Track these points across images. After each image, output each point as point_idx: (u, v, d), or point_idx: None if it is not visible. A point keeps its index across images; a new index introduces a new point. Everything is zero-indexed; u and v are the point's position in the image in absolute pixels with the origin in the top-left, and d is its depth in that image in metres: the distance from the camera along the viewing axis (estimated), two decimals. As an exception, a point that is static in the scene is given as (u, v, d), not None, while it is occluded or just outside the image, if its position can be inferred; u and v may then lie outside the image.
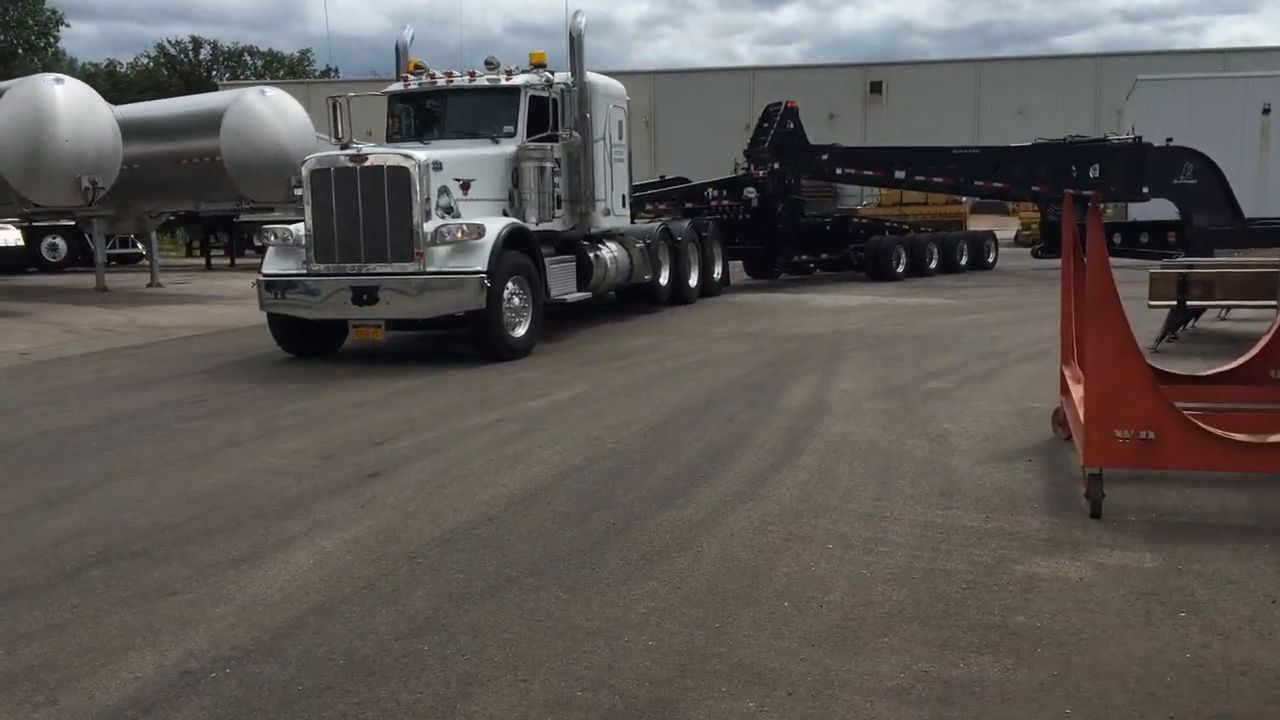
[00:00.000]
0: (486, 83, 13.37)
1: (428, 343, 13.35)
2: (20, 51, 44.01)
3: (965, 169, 22.78)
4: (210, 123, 19.79)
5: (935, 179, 22.98)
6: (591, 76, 14.32)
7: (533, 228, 12.60)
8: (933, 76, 74.61)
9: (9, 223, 27.52)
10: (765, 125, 22.02)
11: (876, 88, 76.76)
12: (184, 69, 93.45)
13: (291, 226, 12.18)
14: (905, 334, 13.11)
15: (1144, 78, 41.49)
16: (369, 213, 11.49)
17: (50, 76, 18.81)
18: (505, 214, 12.47)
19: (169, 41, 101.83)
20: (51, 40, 48.74)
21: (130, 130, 19.62)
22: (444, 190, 11.71)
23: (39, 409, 9.63)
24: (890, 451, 7.22)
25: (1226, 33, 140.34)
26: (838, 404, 8.87)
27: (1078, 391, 6.54)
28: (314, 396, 9.74)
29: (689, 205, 19.93)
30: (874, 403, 8.90)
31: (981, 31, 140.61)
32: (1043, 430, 7.64)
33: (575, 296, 13.66)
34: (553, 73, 13.56)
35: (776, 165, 21.01)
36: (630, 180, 15.78)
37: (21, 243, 28.92)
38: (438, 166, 11.70)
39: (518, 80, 13.29)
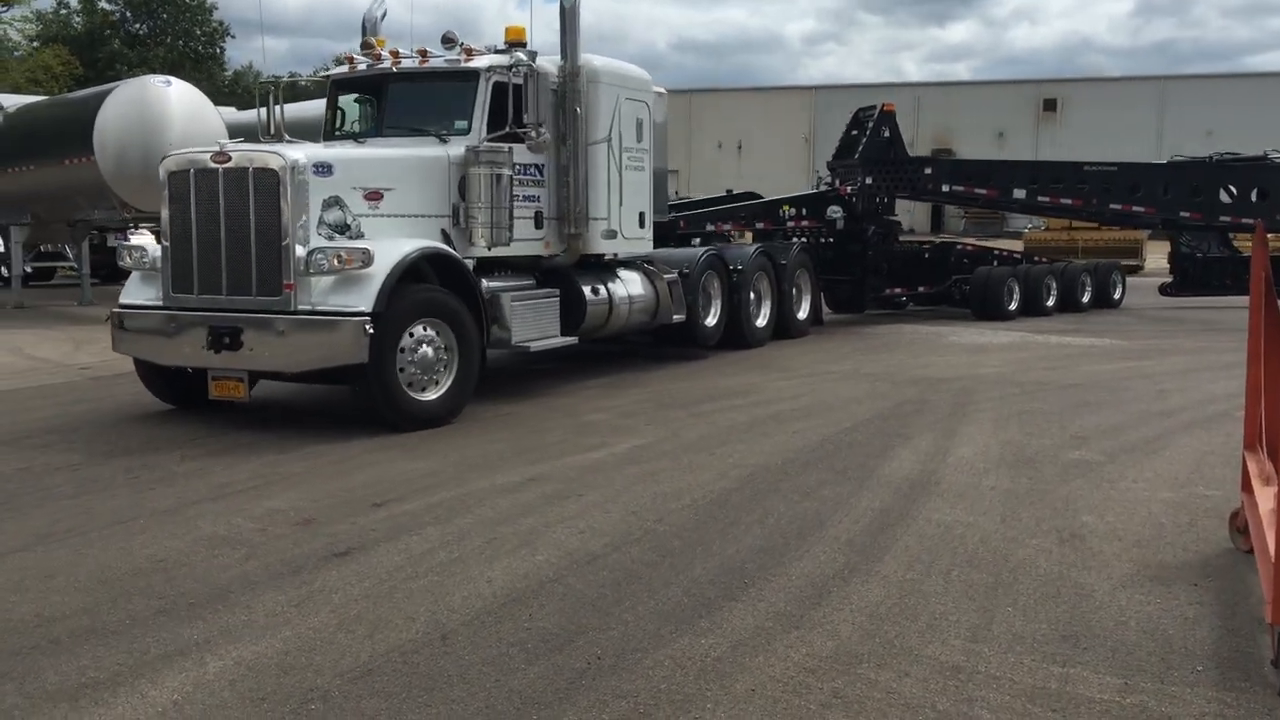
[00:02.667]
0: (440, 65, 10.45)
1: (520, 361, 12.08)
2: (189, 63, 45.36)
3: (1099, 189, 18.89)
4: (88, 118, 17.70)
5: (1063, 200, 19.03)
6: (592, 60, 11.32)
7: (483, 253, 9.97)
8: (1112, 94, 70.65)
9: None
10: (854, 133, 18.49)
11: (1051, 105, 73.10)
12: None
13: (148, 244, 9.91)
14: (1052, 383, 11.16)
15: (1351, 95, 37.61)
16: (232, 229, 8.77)
17: (159, 78, 18.37)
18: (446, 234, 9.75)
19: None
20: (218, 50, 50.13)
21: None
22: (335, 202, 8.93)
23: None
24: (1005, 557, 5.49)
25: None
26: (951, 478, 7.14)
27: (1266, 500, 4.72)
28: (335, 435, 8.53)
29: (760, 226, 16.18)
30: (997, 478, 7.14)
31: (1165, 50, 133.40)
32: (1216, 536, 5.78)
33: (553, 343, 10.64)
34: (534, 54, 10.48)
35: (868, 180, 17.46)
36: (654, 194, 12.47)
37: None
38: (324, 169, 8.88)
39: (478, 62, 10.23)
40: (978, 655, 4.26)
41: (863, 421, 9.08)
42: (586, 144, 11.06)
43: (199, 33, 49.71)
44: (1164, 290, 20.94)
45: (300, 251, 8.58)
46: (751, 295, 14.14)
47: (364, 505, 6.50)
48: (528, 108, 10.15)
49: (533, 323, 10.37)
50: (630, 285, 11.99)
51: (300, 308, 8.59)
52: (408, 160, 9.79)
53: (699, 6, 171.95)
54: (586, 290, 11.21)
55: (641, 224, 12.15)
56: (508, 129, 10.11)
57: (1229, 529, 5.71)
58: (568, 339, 10.87)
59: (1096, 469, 7.40)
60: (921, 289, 18.72)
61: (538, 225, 10.77)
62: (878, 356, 13.41)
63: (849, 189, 17.34)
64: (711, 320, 13.53)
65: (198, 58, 48.67)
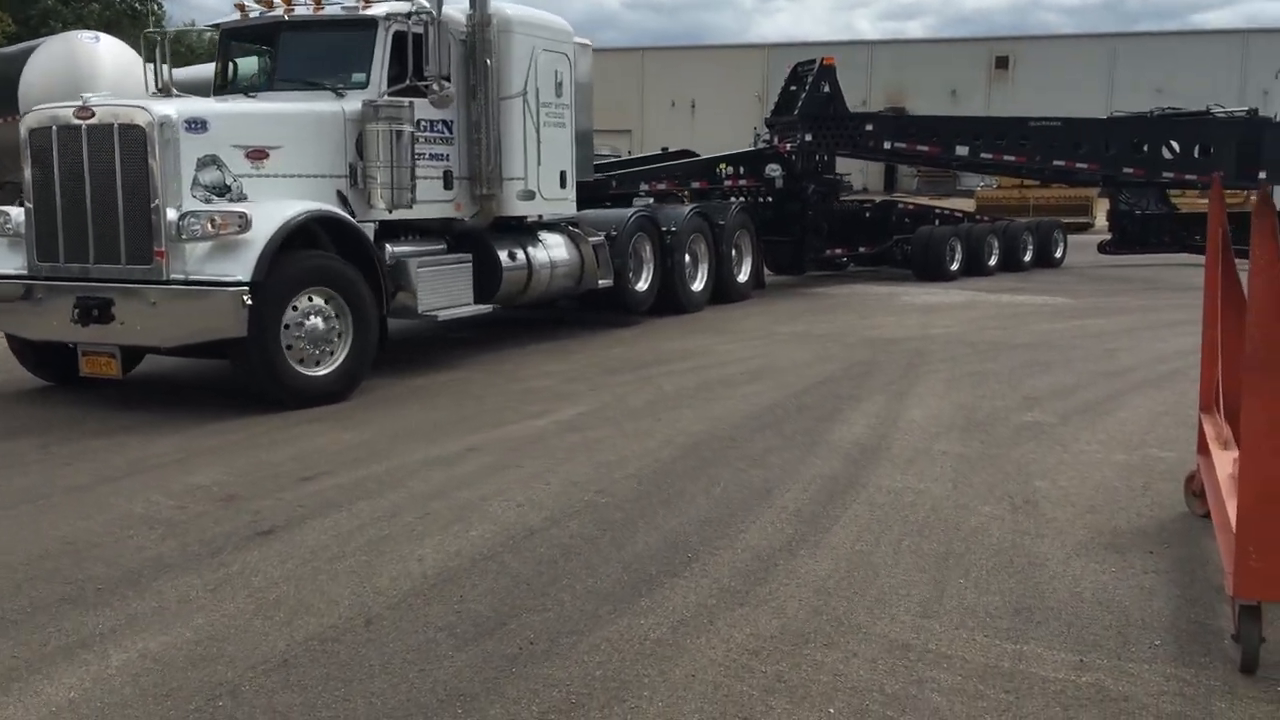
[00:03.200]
0: (336, 12, 9.70)
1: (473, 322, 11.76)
2: (126, 20, 43.81)
3: (1043, 145, 18.35)
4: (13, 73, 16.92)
5: (1006, 157, 18.43)
6: (504, 8, 10.53)
7: (383, 216, 9.27)
8: (1064, 52, 70.82)
9: None
10: (793, 89, 17.66)
11: (1003, 63, 73.13)
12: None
13: (11, 209, 8.90)
14: (1003, 342, 11.03)
15: (1297, 52, 37.83)
16: (98, 192, 8.05)
17: (88, 34, 17.61)
18: (342, 196, 9.02)
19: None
20: (156, 6, 48.56)
21: None
22: (212, 161, 8.18)
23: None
24: (956, 525, 5.32)
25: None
26: (901, 442, 6.96)
27: (1224, 465, 4.56)
28: (266, 405, 8.15)
29: (696, 185, 15.11)
30: (948, 442, 6.97)
31: (1114, 8, 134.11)
32: (1171, 500, 5.65)
33: (465, 311, 9.98)
34: (439, 1, 9.56)
35: (808, 137, 16.68)
36: (578, 152, 11.69)
37: None
38: (198, 125, 8.12)
39: (377, 9, 9.53)
40: (928, 632, 4.07)
41: (813, 384, 8.88)
42: (499, 99, 10.29)
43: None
44: (1103, 248, 20.89)
45: (172, 215, 7.86)
46: (687, 258, 13.52)
47: (291, 479, 6.20)
48: (429, 59, 9.34)
49: (442, 290, 9.71)
50: (552, 249, 11.34)
51: (173, 277, 7.87)
52: (296, 116, 9.03)
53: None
54: (503, 255, 10.56)
55: (563, 184, 11.44)
56: (407, 82, 9.36)
57: (1185, 492, 5.57)
58: (481, 306, 10.22)
59: (1049, 431, 7.26)
60: (863, 249, 18.20)
61: (447, 186, 10.06)
62: (828, 317, 13.23)
63: (788, 147, 16.73)
64: (643, 285, 12.92)
65: (134, 14, 47.25)
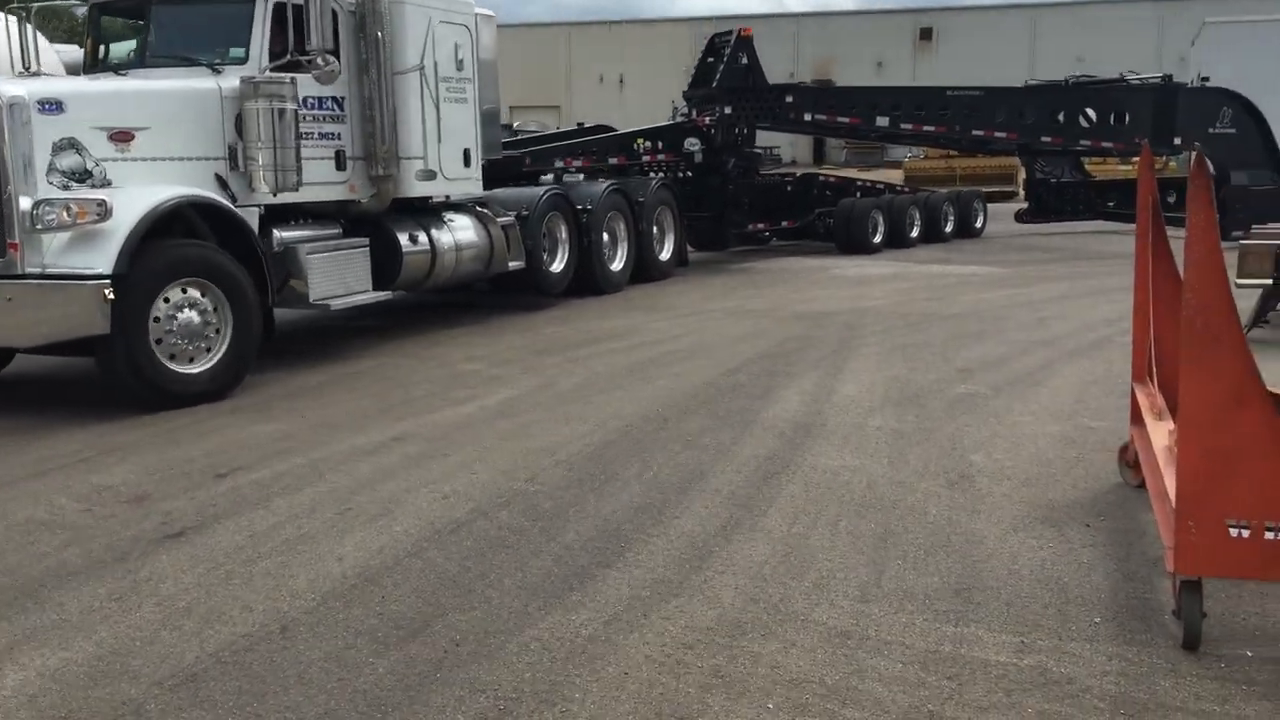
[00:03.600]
0: None
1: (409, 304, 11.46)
2: None
3: (962, 115, 18.14)
4: None
5: (926, 127, 18.14)
6: None
7: (267, 200, 8.63)
8: (986, 22, 71.47)
9: None
10: (710, 60, 17.11)
11: (927, 34, 73.67)
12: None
13: None
14: (935, 314, 11.02)
15: (1212, 20, 38.49)
16: None
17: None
18: (221, 180, 8.38)
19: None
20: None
21: None
22: (71, 145, 7.58)
23: None
24: (893, 504, 5.23)
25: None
26: (836, 419, 6.87)
27: (1160, 436, 4.51)
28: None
29: (614, 161, 14.50)
30: (883, 417, 6.89)
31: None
32: (1106, 470, 5.61)
33: (361, 299, 9.46)
34: None
35: (727, 110, 16.17)
36: (483, 129, 11.03)
37: None
38: (53, 106, 7.50)
39: None
40: (867, 618, 3.96)
41: (746, 361, 8.76)
42: (393, 73, 9.66)
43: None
44: (1020, 217, 20.98)
45: (25, 204, 7.22)
46: (605, 237, 13.03)
47: (206, 476, 5.93)
48: (312, 32, 8.59)
49: (335, 277, 9.10)
50: (458, 231, 10.75)
51: (29, 270, 7.24)
52: (166, 94, 8.32)
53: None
54: (403, 238, 9.99)
55: (467, 163, 10.74)
56: (288, 57, 8.68)
57: (1119, 463, 5.54)
58: (380, 294, 9.65)
59: (982, 403, 7.22)
60: (785, 223, 17.85)
61: (340, 166, 9.44)
62: (760, 292, 13.13)
63: (707, 120, 16.15)
64: (558, 266, 12.42)
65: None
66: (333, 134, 9.39)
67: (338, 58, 9.02)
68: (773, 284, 13.93)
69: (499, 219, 11.31)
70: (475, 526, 5.02)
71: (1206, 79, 20.53)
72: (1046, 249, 18.01)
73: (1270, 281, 9.13)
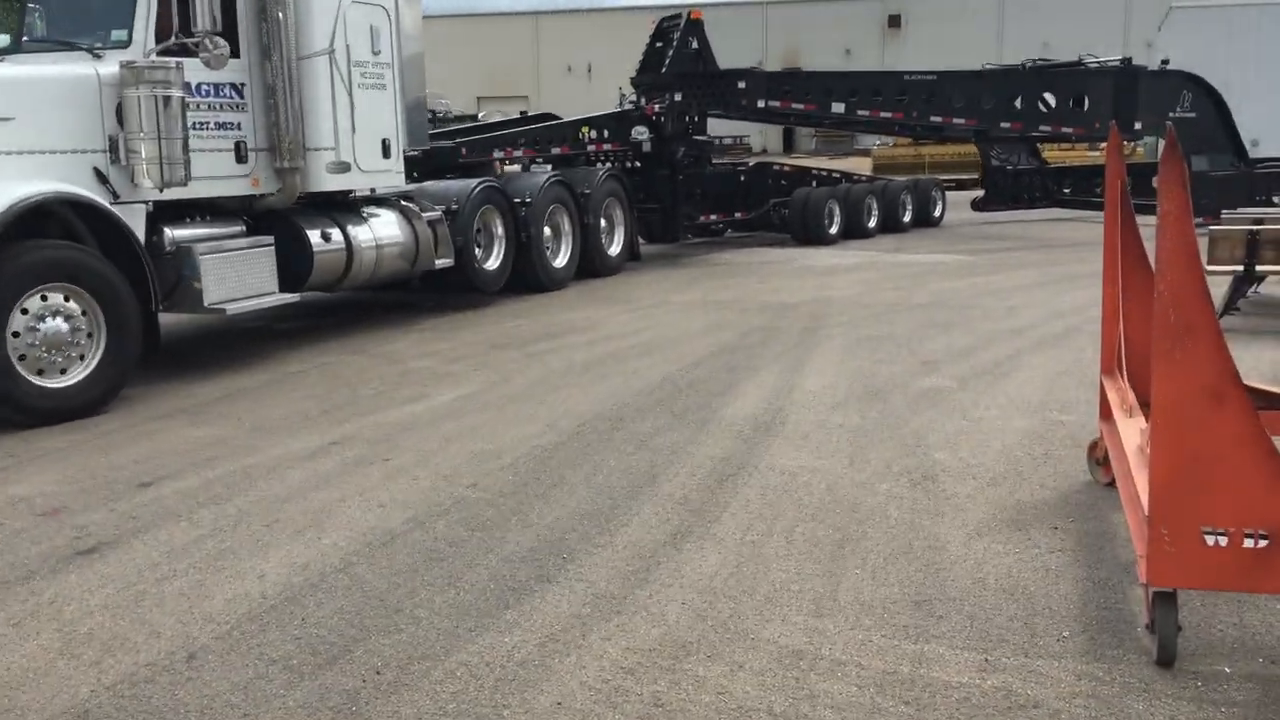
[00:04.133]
0: None
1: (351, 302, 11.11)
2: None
3: (919, 101, 17.34)
4: None
5: (883, 114, 17.36)
6: None
7: (153, 195, 7.88)
8: (954, 8, 71.51)
9: None
10: (659, 45, 16.23)
11: (895, 21, 73.62)
12: None
13: None
14: (901, 303, 10.78)
15: (1178, 4, 38.51)
16: None
17: None
18: (100, 174, 7.60)
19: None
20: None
21: None
22: None
23: None
24: (853, 507, 4.97)
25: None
26: (797, 416, 6.61)
27: (1131, 435, 4.27)
28: (121, 399, 7.49)
29: (558, 151, 13.73)
30: (845, 413, 6.64)
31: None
32: (1074, 469, 5.38)
33: (264, 303, 8.72)
34: None
35: (677, 97, 15.38)
36: (407, 117, 10.32)
37: None
38: None
39: None
40: (821, 635, 3.70)
41: (707, 356, 8.49)
42: (297, 58, 8.91)
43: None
44: (976, 205, 20.59)
45: None
46: (547, 231, 12.27)
47: (129, 486, 5.59)
48: (198, 13, 7.78)
49: (233, 279, 8.32)
50: (379, 227, 9.94)
51: None
52: (32, 82, 7.51)
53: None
54: (314, 235, 9.19)
55: (386, 154, 9.90)
56: (173, 39, 7.96)
57: (1088, 460, 5.30)
58: (287, 296, 8.91)
59: (948, 397, 6.97)
60: (738, 214, 17.14)
61: (240, 159, 8.71)
62: (723, 284, 12.85)
63: (656, 107, 15.24)
64: (493, 263, 11.57)
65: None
66: (231, 124, 8.66)
67: (234, 40, 8.36)
68: (735, 275, 13.66)
69: (425, 214, 10.52)
70: (410, 538, 4.72)
71: (1166, 62, 20.23)
72: (1009, 237, 17.81)
73: (1241, 268, 8.95)
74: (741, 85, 16.29)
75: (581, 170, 13.61)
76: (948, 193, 21.00)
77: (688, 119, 15.66)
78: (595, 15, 73.57)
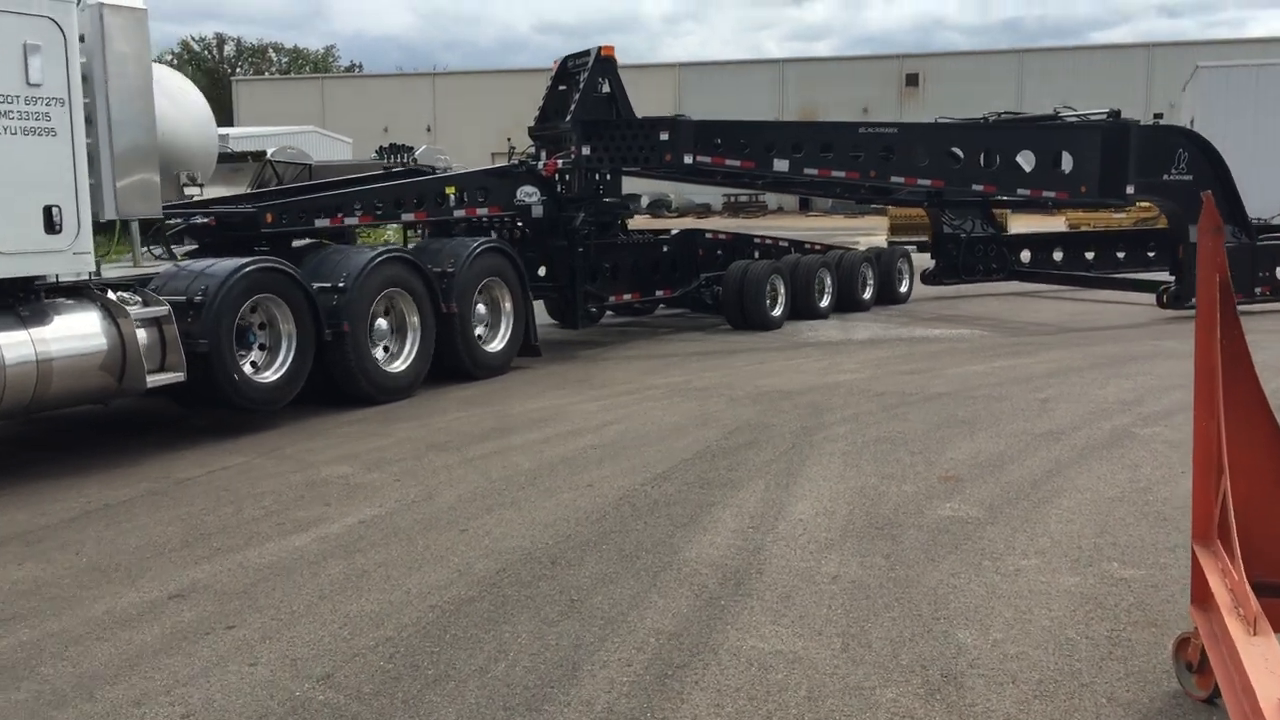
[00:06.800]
0: None
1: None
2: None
3: (876, 158, 14.07)
4: None
5: (835, 172, 14.02)
6: None
7: None
8: (973, 68, 71.08)
9: None
10: (562, 89, 13.28)
11: (913, 80, 72.97)
12: (208, 66, 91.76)
13: None
14: (918, 392, 9.31)
15: (1204, 64, 37.34)
16: None
17: None
18: None
19: (193, 39, 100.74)
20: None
21: None
22: None
23: None
24: (842, 735, 3.48)
25: (1269, 26, 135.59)
26: (778, 563, 5.14)
27: (1256, 663, 2.79)
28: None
29: (410, 217, 11.11)
30: (842, 557, 5.16)
31: (1015, 28, 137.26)
32: (1150, 660, 3.89)
33: None
34: None
35: (585, 151, 12.61)
36: (105, 173, 7.60)
37: None
38: None
39: None
40: None
41: (680, 463, 7.04)
42: None
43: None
44: (926, 278, 17.73)
45: None
46: (381, 323, 9.48)
47: None
48: None
49: None
50: (50, 330, 7.12)
51: None
52: None
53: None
54: None
55: (53, 227, 7.12)
56: None
57: (1173, 658, 3.82)
58: None
59: (974, 534, 5.49)
60: (660, 293, 14.00)
61: None
62: (717, 362, 11.42)
63: (559, 163, 12.47)
64: (274, 372, 8.50)
65: None
66: None
67: None
68: (734, 351, 12.22)
69: (150, 311, 7.65)
70: (197, 785, 3.26)
71: (1160, 116, 18.13)
72: (1011, 319, 16.35)
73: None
74: (664, 137, 12.87)
75: (443, 243, 10.83)
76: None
77: (598, 177, 12.95)
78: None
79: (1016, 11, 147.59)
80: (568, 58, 13.39)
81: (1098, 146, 14.19)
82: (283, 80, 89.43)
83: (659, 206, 65.01)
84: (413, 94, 77.39)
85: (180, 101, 17.13)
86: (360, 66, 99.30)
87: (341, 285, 9.07)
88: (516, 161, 13.06)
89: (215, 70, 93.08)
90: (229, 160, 22.44)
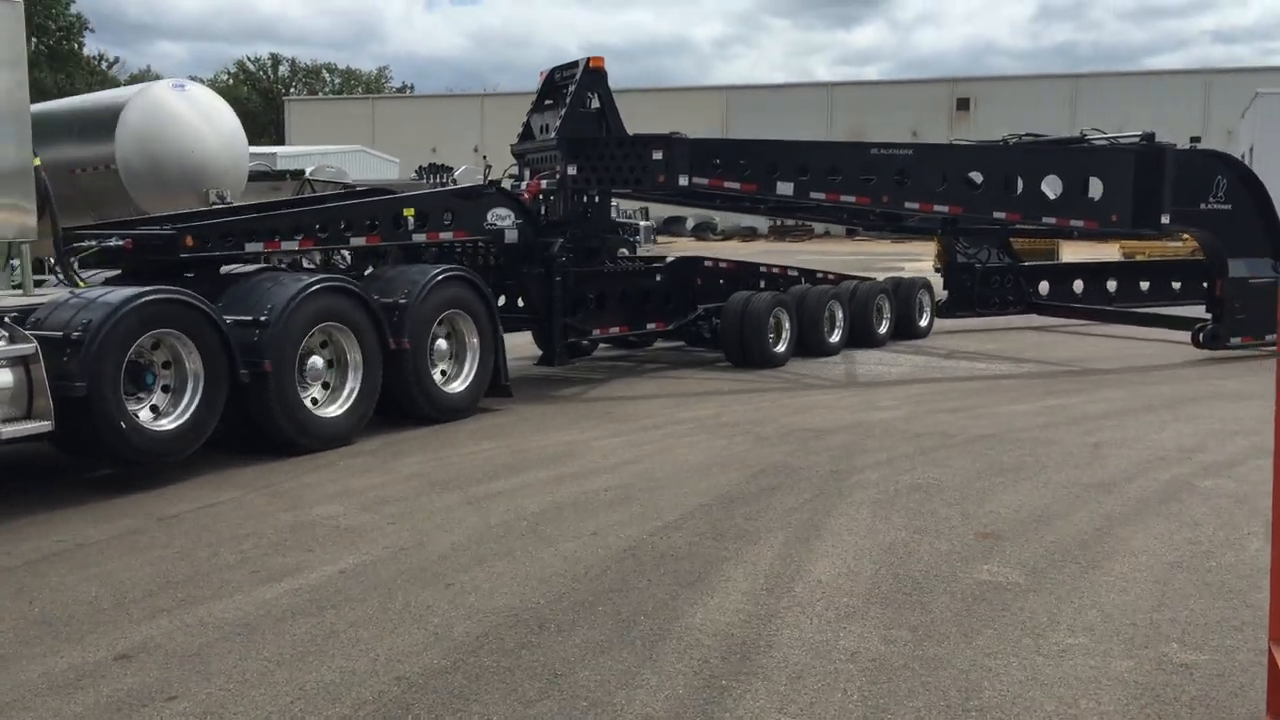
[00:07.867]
0: None
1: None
2: (43, 59, 41.01)
3: (890, 182, 12.73)
4: (108, 123, 16.34)
5: (845, 197, 12.74)
6: None
7: None
8: (1025, 92, 70.15)
9: None
10: (549, 104, 12.36)
11: (964, 104, 72.10)
12: (262, 86, 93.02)
13: None
14: (957, 434, 8.71)
15: (1265, 90, 36.33)
16: None
17: (170, 82, 16.31)
18: None
19: (249, 59, 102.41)
20: (76, 47, 45.93)
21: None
22: None
23: None
24: None
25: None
26: (791, 632, 4.59)
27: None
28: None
29: (359, 242, 9.89)
30: (863, 629, 4.61)
31: (1067, 52, 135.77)
32: (1222, 788, 3.29)
33: None
34: None
35: (571, 170, 11.70)
36: None
37: None
38: None
39: None
40: None
41: (695, 509, 6.51)
42: None
43: (53, 26, 45.14)
44: (939, 310, 16.72)
45: None
46: (316, 361, 8.50)
47: None
48: None
49: None
50: None
51: None
52: None
53: (605, 9, 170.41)
54: None
55: None
56: None
57: (1245, 777, 3.23)
58: None
59: (1014, 604, 4.91)
60: (652, 325, 12.86)
61: None
62: (748, 397, 10.87)
63: (543, 184, 11.73)
64: (173, 420, 7.42)
65: (52, 53, 44.58)
66: None
67: None
68: (768, 384, 11.67)
69: (1, 348, 6.51)
70: None
71: (1197, 140, 17.20)
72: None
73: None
74: (658, 156, 11.74)
75: (409, 270, 9.78)
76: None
77: (585, 199, 12.05)
78: (658, 95, 72.90)
79: (1069, 36, 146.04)
80: (555, 70, 12.50)
81: (1130, 172, 13.05)
82: (334, 100, 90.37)
83: (704, 229, 64.60)
84: (461, 114, 77.82)
85: (212, 118, 17.07)
86: (412, 87, 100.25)
87: (264, 319, 8.01)
88: (487, 181, 12.16)
89: (270, 90, 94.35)
90: (267, 178, 22.36)
